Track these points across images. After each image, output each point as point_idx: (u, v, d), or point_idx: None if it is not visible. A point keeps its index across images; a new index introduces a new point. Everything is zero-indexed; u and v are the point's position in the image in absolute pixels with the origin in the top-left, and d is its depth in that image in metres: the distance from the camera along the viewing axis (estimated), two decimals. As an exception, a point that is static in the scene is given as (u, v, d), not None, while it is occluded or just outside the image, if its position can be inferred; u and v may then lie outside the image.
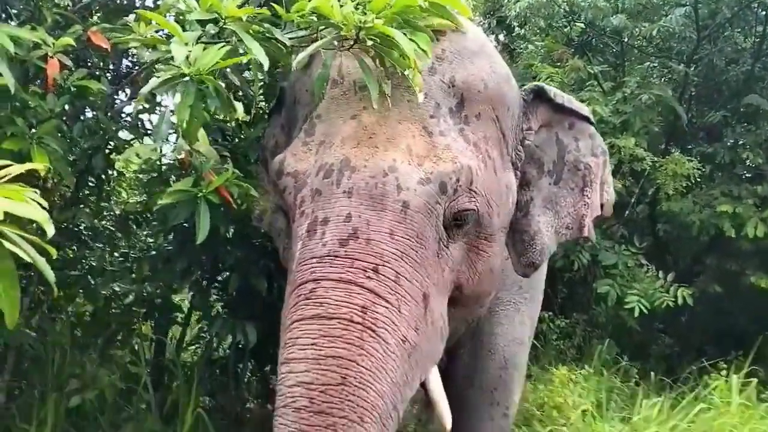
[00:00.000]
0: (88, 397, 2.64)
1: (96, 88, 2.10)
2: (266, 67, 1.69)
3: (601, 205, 2.32)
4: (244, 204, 2.24)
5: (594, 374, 4.19)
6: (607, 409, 3.74)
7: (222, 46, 1.67)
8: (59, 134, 2.22)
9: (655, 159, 4.84)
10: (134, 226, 3.47)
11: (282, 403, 1.55)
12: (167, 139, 1.95)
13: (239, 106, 1.86)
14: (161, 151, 2.88)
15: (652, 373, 4.19)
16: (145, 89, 1.67)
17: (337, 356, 1.53)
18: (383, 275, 1.62)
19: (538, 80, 4.63)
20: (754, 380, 3.44)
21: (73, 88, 2.12)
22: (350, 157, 1.72)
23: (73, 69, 2.17)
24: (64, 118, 2.37)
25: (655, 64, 5.61)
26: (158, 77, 1.63)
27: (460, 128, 1.84)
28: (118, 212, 3.49)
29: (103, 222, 3.32)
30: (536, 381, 4.14)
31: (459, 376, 2.57)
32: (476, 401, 2.56)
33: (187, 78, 1.62)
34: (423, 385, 1.82)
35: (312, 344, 1.55)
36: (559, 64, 5.00)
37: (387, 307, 1.60)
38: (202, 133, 1.84)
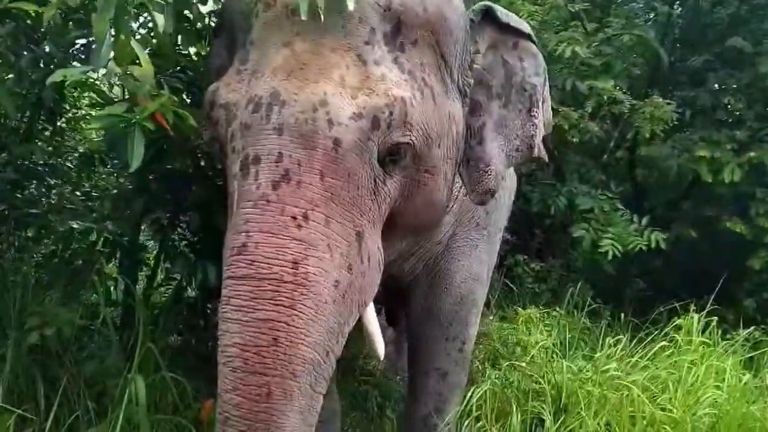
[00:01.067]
0: (47, 334, 2.62)
1: (32, 10, 1.97)
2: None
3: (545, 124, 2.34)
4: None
5: (566, 316, 4.23)
6: (576, 348, 3.78)
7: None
8: (5, 65, 2.14)
9: (634, 102, 4.77)
10: (99, 165, 3.40)
11: (221, 360, 1.60)
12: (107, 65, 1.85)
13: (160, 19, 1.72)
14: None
15: (623, 315, 4.23)
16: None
17: (267, 319, 1.56)
18: (313, 221, 1.62)
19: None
20: (715, 318, 3.48)
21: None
22: (280, 90, 1.66)
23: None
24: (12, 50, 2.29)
25: (641, 4, 5.49)
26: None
27: (395, 56, 1.77)
28: (81, 150, 3.41)
29: (63, 159, 3.25)
30: (506, 321, 4.17)
31: (417, 310, 2.66)
32: (433, 335, 2.63)
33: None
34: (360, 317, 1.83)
35: (244, 306, 1.58)
36: (539, 1, 4.87)
37: (317, 257, 1.61)
38: (143, 56, 1.75)
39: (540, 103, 2.24)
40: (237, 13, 1.87)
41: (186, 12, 2.25)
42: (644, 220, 4.64)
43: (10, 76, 2.36)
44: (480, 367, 3.60)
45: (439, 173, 1.92)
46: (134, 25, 2.21)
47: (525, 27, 2.26)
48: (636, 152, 5.33)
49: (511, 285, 5.09)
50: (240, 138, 1.68)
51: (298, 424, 1.58)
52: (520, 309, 4.17)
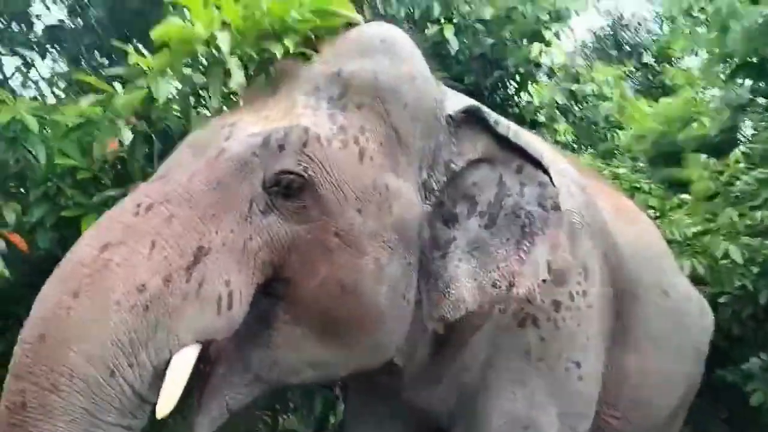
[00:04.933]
0: None
1: None
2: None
3: (549, 270, 1.86)
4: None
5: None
6: None
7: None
8: None
9: None
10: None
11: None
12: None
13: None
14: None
15: None
16: None
17: (45, 306, 1.35)
18: (154, 213, 1.46)
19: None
20: None
21: None
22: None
23: None
24: None
25: None
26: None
27: (332, 112, 1.70)
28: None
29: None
30: None
31: None
32: None
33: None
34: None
35: (45, 287, 1.39)
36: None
37: (132, 248, 1.41)
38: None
39: (536, 239, 1.83)
40: None
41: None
42: None
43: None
44: None
45: (359, 248, 1.63)
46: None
47: (536, 150, 1.90)
48: None
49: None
50: None
51: None
52: None
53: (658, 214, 4.24)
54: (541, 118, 4.01)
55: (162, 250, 1.42)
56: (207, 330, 1.46)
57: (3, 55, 3.01)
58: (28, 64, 3.09)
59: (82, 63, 3.09)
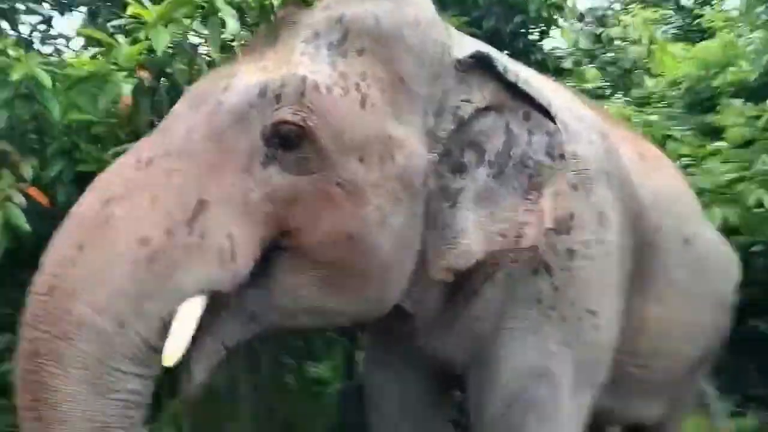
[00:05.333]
0: None
1: None
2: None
3: (557, 219, 1.86)
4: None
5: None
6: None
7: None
8: None
9: None
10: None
11: None
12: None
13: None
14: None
15: None
16: None
17: (52, 261, 1.40)
18: (154, 168, 1.49)
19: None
20: None
21: None
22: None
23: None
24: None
25: None
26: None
27: (333, 59, 1.66)
28: None
29: None
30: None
31: (470, 411, 2.13)
32: None
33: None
34: None
35: (53, 242, 1.43)
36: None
37: (133, 202, 1.44)
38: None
39: (543, 189, 1.81)
40: None
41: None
42: None
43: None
44: None
45: (362, 197, 1.62)
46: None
47: (543, 95, 1.87)
48: None
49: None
50: None
51: (83, 395, 1.34)
52: None
53: (691, 163, 4.13)
54: (567, 64, 3.87)
55: (164, 203, 1.44)
56: (211, 281, 1.48)
57: (23, 12, 3.01)
58: (47, 21, 3.09)
59: (99, 18, 3.08)
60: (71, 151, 2.20)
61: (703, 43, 5.90)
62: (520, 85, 1.83)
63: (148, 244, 1.40)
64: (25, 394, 1.36)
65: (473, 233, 1.77)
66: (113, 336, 1.36)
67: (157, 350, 1.42)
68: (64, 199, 2.16)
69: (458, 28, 2.46)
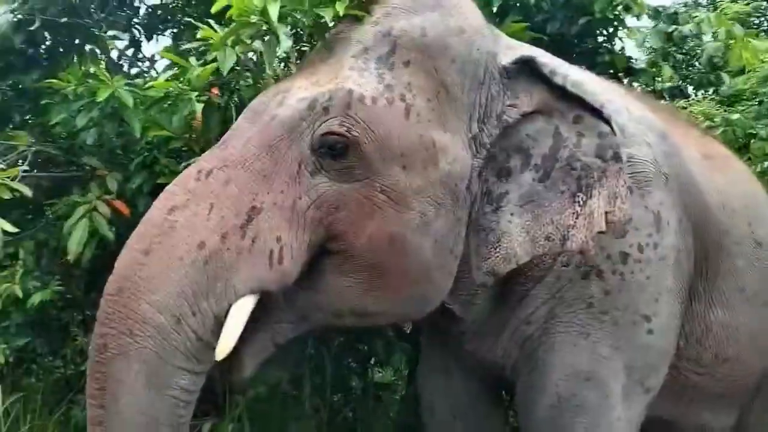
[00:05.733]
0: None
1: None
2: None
3: (607, 222, 1.82)
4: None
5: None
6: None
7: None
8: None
9: None
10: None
11: None
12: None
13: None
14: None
15: None
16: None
17: (122, 264, 1.57)
18: (213, 178, 1.63)
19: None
20: None
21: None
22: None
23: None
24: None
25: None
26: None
27: (380, 72, 1.74)
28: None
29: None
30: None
31: (518, 411, 2.16)
32: None
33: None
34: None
35: (124, 248, 1.61)
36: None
37: (194, 211, 1.59)
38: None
39: (593, 191, 1.80)
40: None
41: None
42: None
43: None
44: None
45: (405, 203, 1.69)
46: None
47: (597, 98, 1.85)
48: None
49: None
50: None
51: (143, 387, 1.50)
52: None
53: (779, 163, 3.87)
54: (640, 65, 3.75)
55: (219, 210, 1.59)
56: (261, 282, 1.61)
57: (113, 39, 3.28)
58: (136, 45, 3.36)
59: (183, 41, 3.32)
60: (152, 165, 2.41)
61: (796, 35, 5.53)
62: (569, 87, 1.84)
63: (204, 247, 1.56)
64: (92, 383, 1.54)
65: (517, 237, 1.80)
66: (170, 332, 1.52)
67: (210, 346, 1.57)
68: (144, 209, 2.36)
69: (520, 33, 2.49)
